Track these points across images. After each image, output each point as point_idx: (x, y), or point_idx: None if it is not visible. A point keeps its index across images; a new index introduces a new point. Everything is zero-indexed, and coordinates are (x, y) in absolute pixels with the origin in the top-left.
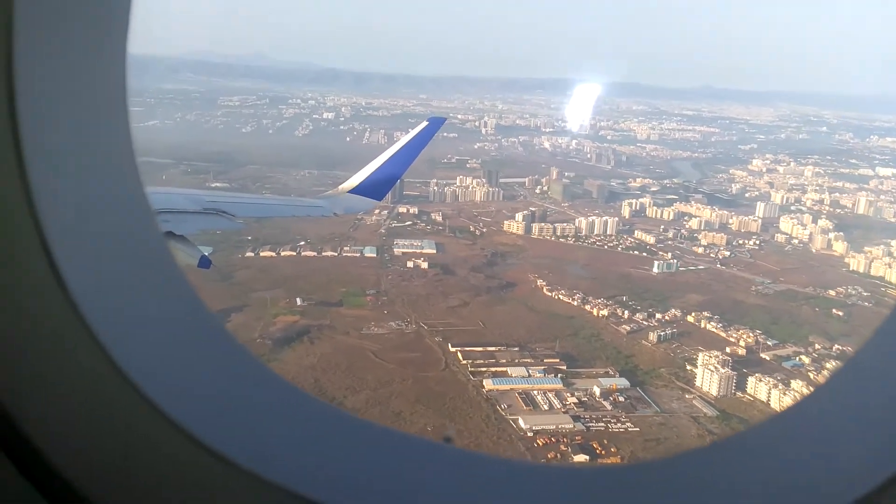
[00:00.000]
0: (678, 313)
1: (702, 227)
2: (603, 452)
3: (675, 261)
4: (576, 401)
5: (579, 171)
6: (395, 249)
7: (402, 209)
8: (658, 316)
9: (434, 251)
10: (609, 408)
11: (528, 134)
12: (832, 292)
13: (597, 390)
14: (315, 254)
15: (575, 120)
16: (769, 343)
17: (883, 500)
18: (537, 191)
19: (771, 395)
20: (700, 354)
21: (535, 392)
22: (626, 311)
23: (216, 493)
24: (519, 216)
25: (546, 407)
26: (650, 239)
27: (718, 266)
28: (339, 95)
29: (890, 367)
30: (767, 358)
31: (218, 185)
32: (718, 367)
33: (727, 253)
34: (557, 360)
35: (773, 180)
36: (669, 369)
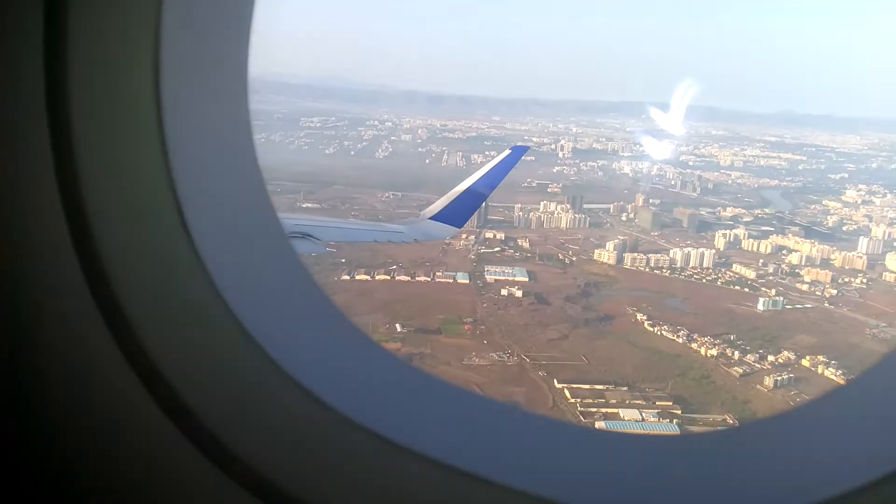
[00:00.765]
0: (791, 356)
1: (803, 263)
2: None
3: (781, 298)
4: None
5: (664, 198)
6: (487, 276)
7: (489, 234)
8: (770, 358)
9: (526, 279)
10: None
11: (606, 158)
12: None
13: None
14: (409, 278)
15: (654, 144)
16: None
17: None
18: (623, 218)
19: None
20: None
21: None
22: (736, 352)
23: (340, 451)
24: (610, 245)
25: None
26: (750, 273)
27: (827, 305)
28: (415, 117)
29: None
30: None
31: (308, 205)
32: None
33: (834, 291)
34: (670, 403)
35: (871, 213)
36: None
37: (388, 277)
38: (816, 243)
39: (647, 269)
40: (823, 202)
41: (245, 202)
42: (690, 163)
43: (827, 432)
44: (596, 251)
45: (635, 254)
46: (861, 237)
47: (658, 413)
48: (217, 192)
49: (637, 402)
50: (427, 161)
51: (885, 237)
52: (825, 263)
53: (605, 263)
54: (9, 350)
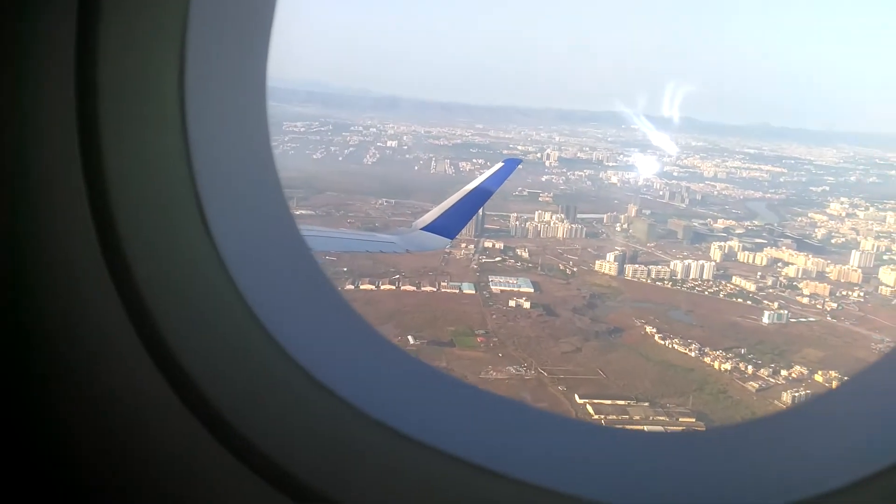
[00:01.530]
0: (804, 371)
1: (800, 275)
2: None
3: (786, 311)
4: None
5: (654, 208)
6: (492, 287)
7: (488, 243)
8: (784, 373)
9: (531, 290)
10: None
11: (591, 168)
12: None
13: None
14: (414, 288)
15: (638, 155)
16: None
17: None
18: (618, 228)
19: None
20: None
21: None
22: (749, 366)
23: (343, 438)
24: (610, 256)
25: None
26: (750, 286)
27: (829, 319)
28: (399, 123)
29: None
30: None
31: (303, 211)
32: None
33: (834, 305)
34: (693, 420)
35: (857, 226)
36: None
37: (393, 287)
38: (810, 256)
39: (648, 281)
40: (809, 215)
41: (263, 201)
42: (675, 174)
43: (821, 430)
44: (597, 262)
45: (636, 265)
46: (853, 251)
47: (684, 430)
48: (236, 191)
49: (660, 418)
50: (416, 168)
51: (875, 250)
52: (821, 276)
53: (607, 275)
54: (37, 345)
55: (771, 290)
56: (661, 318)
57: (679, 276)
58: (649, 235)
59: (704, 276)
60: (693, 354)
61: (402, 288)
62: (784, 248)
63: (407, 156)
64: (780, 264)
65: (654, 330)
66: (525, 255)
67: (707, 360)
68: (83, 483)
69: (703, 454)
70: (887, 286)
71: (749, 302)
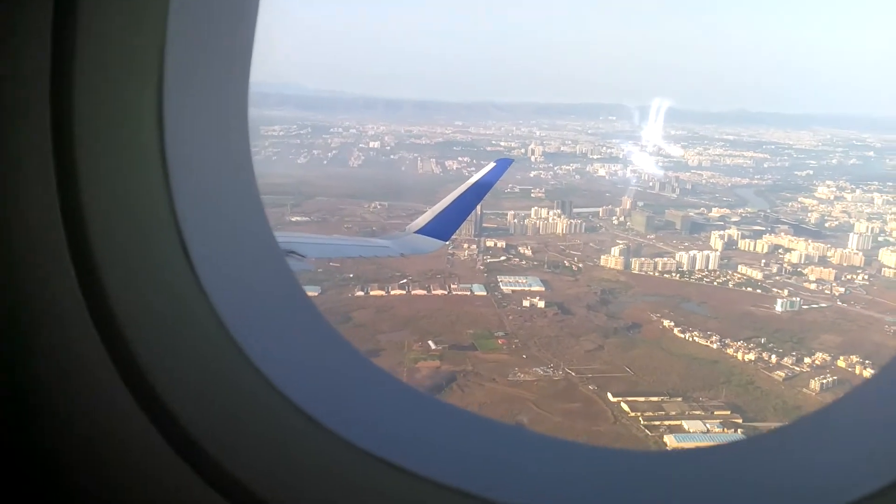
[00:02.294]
0: (827, 358)
1: (803, 261)
2: None
3: (798, 299)
4: None
5: (646, 199)
6: (502, 287)
7: (490, 243)
8: (807, 360)
9: (542, 288)
10: None
11: (577, 161)
12: None
13: None
14: (425, 292)
15: (620, 146)
16: None
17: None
18: (615, 222)
19: None
20: None
21: None
22: (773, 356)
23: (317, 460)
24: (615, 250)
25: None
26: (757, 274)
27: (840, 304)
28: (377, 123)
29: None
30: None
31: (297, 218)
32: None
33: (841, 289)
34: (728, 413)
35: (847, 209)
36: None
37: (404, 292)
38: (809, 241)
39: (655, 274)
40: (799, 199)
41: (241, 216)
42: (660, 164)
43: (839, 438)
44: (602, 257)
45: (641, 258)
46: (851, 234)
47: (721, 423)
48: (214, 207)
49: (696, 412)
50: (403, 168)
51: (870, 232)
52: (823, 261)
53: (614, 269)
54: (6, 358)
55: (777, 278)
56: (676, 310)
57: (685, 268)
58: (648, 227)
59: (710, 267)
60: (715, 346)
61: (413, 293)
62: (783, 234)
63: (392, 156)
64: (781, 251)
65: (672, 324)
66: (528, 252)
67: (730, 351)
68: (52, 496)
69: (713, 471)
70: (890, 268)
71: (759, 290)
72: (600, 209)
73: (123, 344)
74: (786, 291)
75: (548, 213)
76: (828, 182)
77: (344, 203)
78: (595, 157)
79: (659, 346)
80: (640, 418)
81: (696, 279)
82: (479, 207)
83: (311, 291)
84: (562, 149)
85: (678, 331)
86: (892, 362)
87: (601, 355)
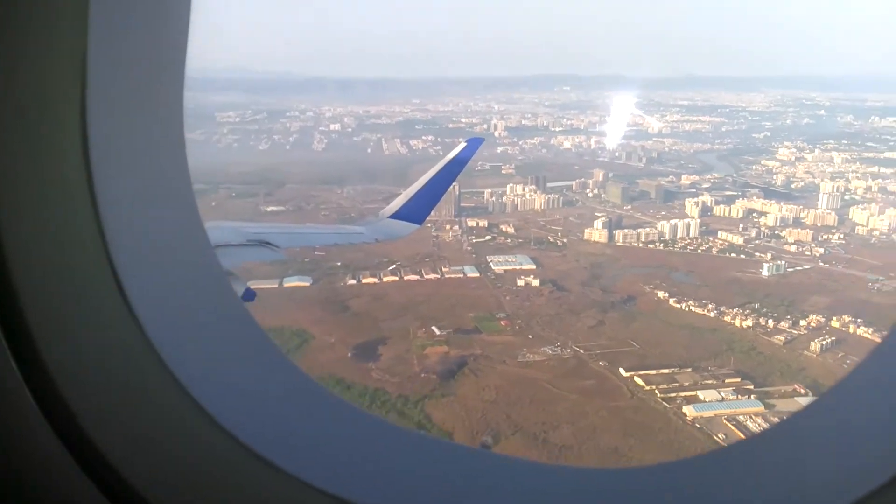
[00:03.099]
0: (821, 319)
1: (778, 224)
2: None
3: (782, 262)
4: None
5: (615, 170)
6: (493, 267)
7: (471, 223)
8: (802, 323)
9: (533, 266)
10: None
11: (540, 135)
12: None
13: None
14: (418, 277)
15: (581, 117)
16: None
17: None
18: (590, 194)
19: None
20: None
21: (741, 417)
22: (769, 321)
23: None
24: (598, 223)
25: None
26: (737, 239)
27: (822, 264)
28: (333, 105)
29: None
30: None
31: (272, 208)
32: None
33: (821, 250)
34: (739, 380)
35: (810, 169)
36: None
37: (396, 278)
38: (782, 204)
39: (640, 245)
40: (762, 162)
41: (174, 225)
42: (622, 133)
43: (807, 451)
44: (586, 231)
45: (624, 230)
46: (820, 194)
47: (734, 391)
48: (144, 217)
49: (708, 381)
50: (368, 150)
51: (835, 191)
52: (798, 222)
53: (599, 242)
54: None
55: (757, 242)
56: (666, 281)
57: (668, 237)
58: (624, 198)
59: (691, 234)
60: (712, 315)
61: (406, 278)
62: (755, 198)
63: (354, 138)
64: (755, 214)
65: (666, 294)
66: (511, 230)
67: (727, 319)
68: None
69: (682, 487)
70: (862, 226)
71: (742, 256)
72: (573, 182)
73: (39, 363)
74: (769, 255)
75: (524, 190)
76: (786, 143)
77: (316, 190)
78: (557, 129)
79: (657, 317)
80: (657, 391)
81: (679, 248)
82: (456, 187)
83: (302, 282)
84: (523, 122)
85: (673, 301)
86: (859, 367)
87: (604, 331)
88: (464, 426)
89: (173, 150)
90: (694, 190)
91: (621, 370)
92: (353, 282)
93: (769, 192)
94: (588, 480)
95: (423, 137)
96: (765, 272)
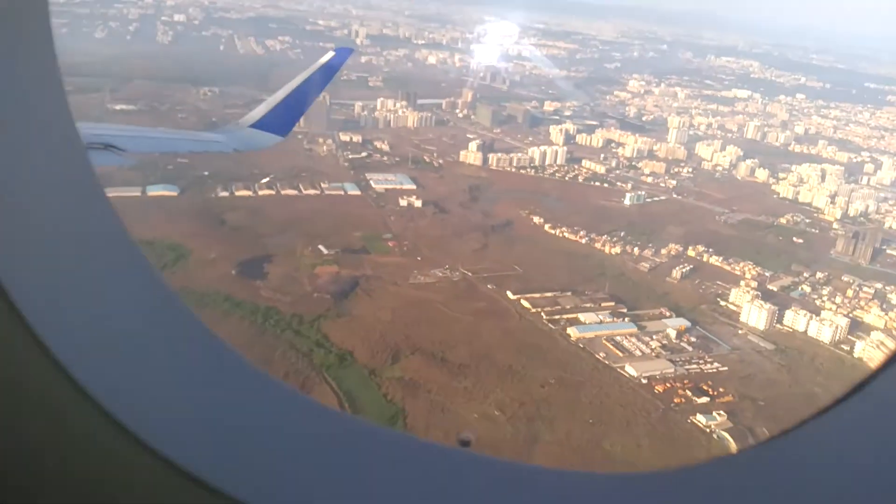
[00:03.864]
0: (679, 248)
1: (635, 155)
2: (715, 393)
3: (642, 192)
4: (658, 344)
5: (481, 91)
6: (374, 185)
7: (345, 137)
8: (664, 251)
9: (413, 186)
10: (689, 349)
11: (404, 46)
12: (783, 220)
13: (672, 333)
14: (296, 192)
15: (443, 32)
16: (766, 274)
17: None
18: (460, 115)
19: (810, 326)
20: (733, 290)
21: (619, 338)
22: (635, 248)
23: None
24: (472, 146)
25: (638, 353)
26: (600, 168)
27: (675, 196)
28: None
29: None
30: (775, 289)
31: (121, 106)
32: (763, 303)
33: (673, 182)
34: (613, 304)
35: (658, 103)
36: (708, 306)
37: (273, 192)
38: (637, 136)
39: (512, 169)
40: (615, 93)
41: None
42: (482, 52)
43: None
44: (461, 153)
45: (497, 154)
46: (670, 129)
47: (611, 313)
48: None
49: (587, 305)
50: (221, 48)
51: (681, 126)
52: (652, 154)
53: (474, 165)
54: None
55: (618, 172)
56: (540, 206)
57: (537, 163)
58: (493, 121)
59: (559, 161)
60: (584, 241)
61: (283, 192)
62: (612, 128)
63: (203, 32)
64: (613, 145)
65: (542, 220)
66: (385, 147)
67: (598, 245)
68: None
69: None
70: (707, 161)
71: (605, 185)
72: (443, 101)
73: None
74: (629, 185)
75: (395, 106)
76: (635, 76)
77: (169, 88)
78: (420, 42)
79: (535, 242)
80: (543, 314)
81: (549, 174)
82: (326, 98)
83: (169, 192)
84: (384, 31)
85: (549, 227)
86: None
87: (488, 254)
88: (363, 345)
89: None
90: (557, 117)
91: (509, 293)
92: (225, 193)
93: (624, 124)
94: (579, 485)
95: (280, 38)
96: (627, 201)
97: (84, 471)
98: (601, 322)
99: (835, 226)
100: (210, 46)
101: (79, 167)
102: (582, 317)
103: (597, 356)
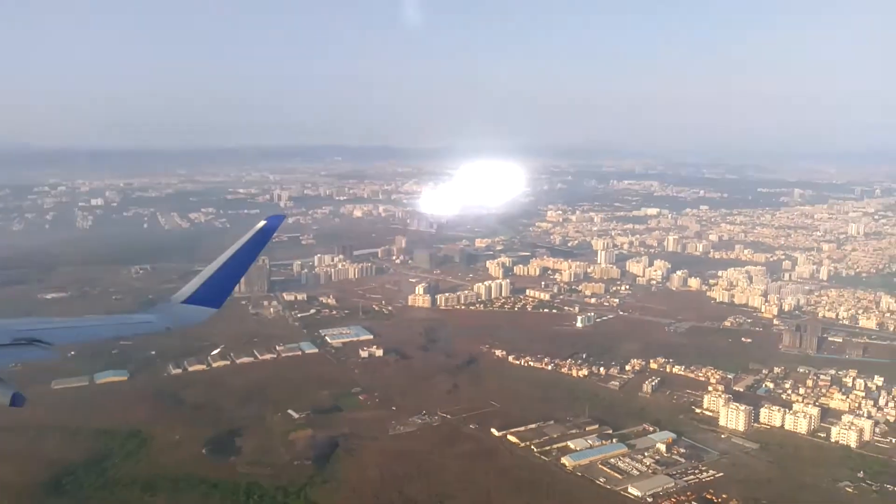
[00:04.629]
0: (641, 362)
1: (573, 279)
2: (719, 501)
3: (592, 314)
4: (652, 461)
5: (410, 237)
6: (330, 340)
7: (289, 297)
8: (627, 368)
9: (370, 336)
10: (682, 461)
11: (327, 203)
12: (727, 323)
13: (661, 447)
14: (251, 359)
15: (362, 186)
16: (729, 377)
17: None
18: (397, 261)
19: (785, 420)
20: (705, 397)
21: (613, 460)
22: (600, 368)
23: None
24: (419, 289)
25: (635, 472)
26: (545, 296)
27: (621, 313)
28: (89, 179)
29: None
30: (741, 390)
31: (53, 295)
32: (738, 406)
33: (616, 300)
34: (597, 426)
35: (579, 229)
36: (686, 415)
37: (228, 362)
38: (570, 261)
39: (461, 307)
40: (536, 224)
41: None
42: (404, 201)
43: None
44: (409, 297)
45: (445, 294)
46: (598, 251)
47: (598, 436)
48: None
49: (572, 431)
50: (145, 226)
51: (606, 247)
52: (587, 277)
53: (423, 307)
54: None
55: (561, 297)
56: (498, 339)
57: (484, 297)
58: (431, 263)
59: (504, 294)
60: (550, 368)
61: (239, 361)
62: (545, 256)
63: (124, 213)
64: (550, 272)
65: (503, 352)
66: (332, 301)
67: (564, 370)
68: None
69: None
70: (640, 276)
71: (554, 310)
72: (378, 250)
73: None
74: (576, 308)
75: (333, 260)
76: (550, 206)
77: (99, 271)
78: (342, 198)
79: (503, 374)
80: (532, 446)
81: (497, 307)
82: (265, 261)
83: (118, 377)
84: (306, 192)
85: (512, 358)
86: None
87: (461, 394)
88: None
89: None
90: (491, 252)
91: (493, 430)
92: (178, 370)
93: (554, 251)
94: None
95: (203, 210)
96: (579, 324)
97: None
98: (591, 447)
99: (775, 322)
100: (133, 225)
101: None
102: (571, 444)
103: (597, 482)
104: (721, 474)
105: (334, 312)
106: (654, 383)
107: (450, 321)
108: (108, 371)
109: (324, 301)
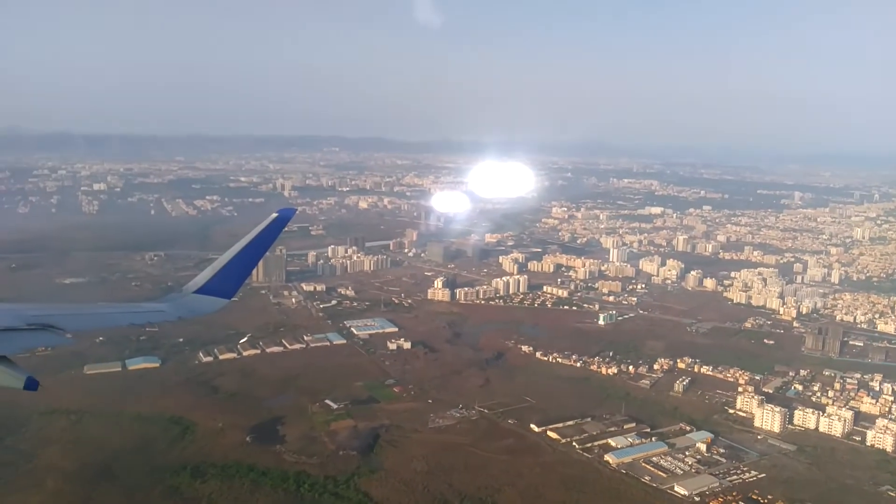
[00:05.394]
0: (669, 361)
1: (588, 277)
2: (766, 501)
3: (613, 311)
4: (694, 460)
5: (421, 230)
6: (356, 332)
7: (309, 287)
8: (656, 367)
9: (395, 328)
10: (723, 461)
11: (331, 195)
12: (748, 324)
13: (702, 447)
14: (281, 349)
15: (363, 178)
16: (757, 378)
17: None
18: (410, 254)
19: (820, 422)
20: (738, 398)
21: (655, 458)
22: (629, 366)
23: None
24: (438, 283)
25: (679, 471)
26: (562, 293)
27: (641, 312)
28: (87, 163)
29: None
30: (771, 391)
31: (73, 280)
32: (773, 407)
33: (634, 299)
34: (635, 425)
35: (586, 226)
36: (720, 415)
37: (258, 351)
38: (584, 259)
39: (481, 302)
40: (542, 220)
41: None
42: (408, 193)
43: None
44: (428, 291)
45: (464, 289)
46: (611, 249)
47: (637, 434)
48: None
49: (611, 429)
50: (152, 212)
51: (616, 246)
52: (602, 275)
53: (443, 301)
54: None
55: (579, 294)
56: (522, 335)
57: (502, 293)
58: (445, 257)
59: (522, 290)
60: (578, 365)
61: (268, 350)
62: (557, 253)
63: (129, 199)
64: (563, 268)
65: (530, 348)
66: (351, 293)
67: (593, 367)
68: None
69: None
70: (654, 276)
71: (574, 308)
72: (390, 242)
73: None
74: (596, 306)
75: (347, 252)
76: (554, 202)
77: (113, 257)
78: (345, 189)
79: (533, 371)
80: (574, 443)
81: (517, 303)
82: (282, 251)
83: (150, 363)
84: (308, 182)
85: (540, 354)
86: None
87: (494, 388)
88: (411, 501)
89: None
90: (502, 248)
91: (532, 426)
92: (209, 358)
93: (565, 248)
94: None
95: (208, 197)
96: (601, 321)
97: None
98: (632, 445)
99: (795, 324)
100: (139, 211)
101: None
102: (612, 441)
103: (642, 480)
104: (763, 475)
105: (355, 304)
106: (684, 383)
107: (471, 315)
108: (138, 357)
109: (343, 292)
